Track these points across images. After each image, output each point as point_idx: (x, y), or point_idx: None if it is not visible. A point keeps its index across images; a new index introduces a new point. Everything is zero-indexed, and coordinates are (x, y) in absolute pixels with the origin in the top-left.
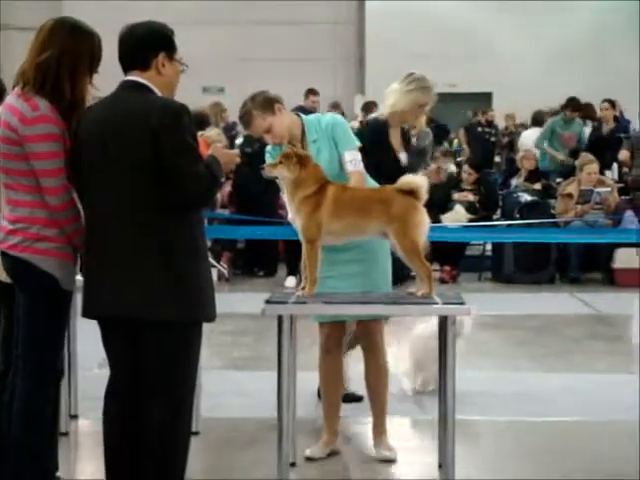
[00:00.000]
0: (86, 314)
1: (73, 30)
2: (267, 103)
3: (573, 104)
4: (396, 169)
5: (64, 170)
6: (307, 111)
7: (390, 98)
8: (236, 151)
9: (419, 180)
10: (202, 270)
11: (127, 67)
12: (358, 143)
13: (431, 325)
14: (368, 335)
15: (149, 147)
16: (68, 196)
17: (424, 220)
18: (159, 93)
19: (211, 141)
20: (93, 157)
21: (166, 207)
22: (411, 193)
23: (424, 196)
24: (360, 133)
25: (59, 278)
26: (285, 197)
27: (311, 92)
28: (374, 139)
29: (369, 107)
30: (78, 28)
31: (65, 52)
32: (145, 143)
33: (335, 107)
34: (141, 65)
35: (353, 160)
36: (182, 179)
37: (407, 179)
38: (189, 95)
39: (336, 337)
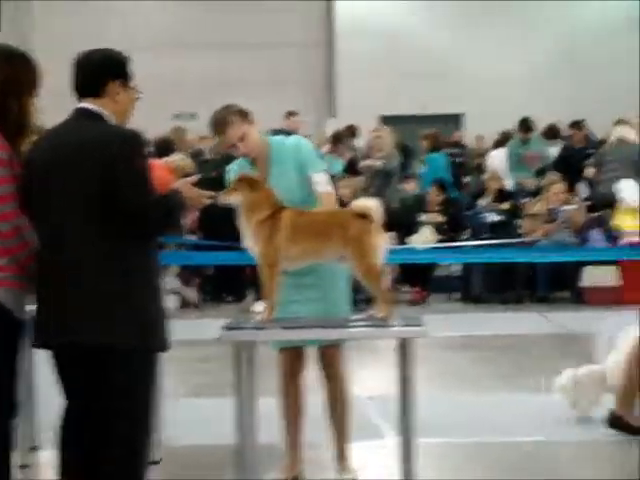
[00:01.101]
0: (36, 343)
1: (13, 56)
2: (244, 112)
3: (525, 125)
4: None
5: (13, 196)
6: (289, 133)
7: None
8: (207, 192)
9: (371, 203)
10: (155, 299)
11: (81, 94)
12: (325, 166)
13: None
14: (328, 361)
15: (102, 176)
16: (17, 222)
17: (380, 242)
18: (112, 121)
19: (175, 166)
20: (45, 184)
21: (119, 234)
22: (366, 216)
23: (377, 219)
24: None
25: (12, 308)
26: (240, 222)
27: (291, 114)
28: None
29: (339, 139)
30: (15, 56)
31: (8, 79)
32: (98, 172)
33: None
34: (95, 92)
35: (322, 181)
36: (131, 210)
37: (359, 203)
38: (160, 122)
39: (297, 362)
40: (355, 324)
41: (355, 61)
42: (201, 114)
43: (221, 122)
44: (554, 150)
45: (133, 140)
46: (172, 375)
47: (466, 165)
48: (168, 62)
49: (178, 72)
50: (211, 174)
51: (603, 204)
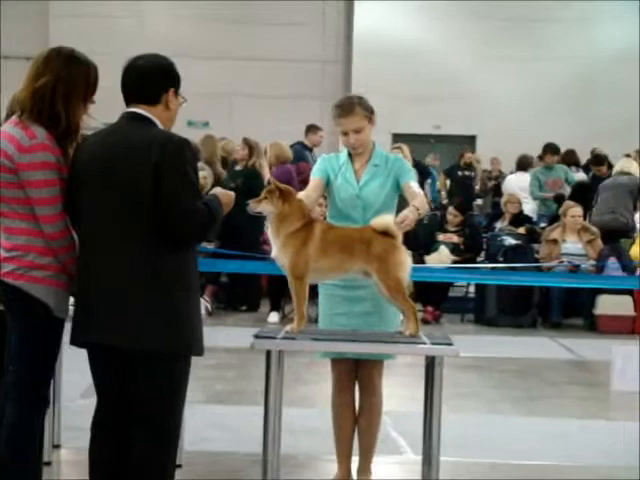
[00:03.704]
0: (75, 342)
1: (69, 59)
2: (372, 110)
3: (550, 149)
4: None
5: (60, 198)
6: (308, 148)
7: None
8: (233, 194)
9: (389, 219)
10: (193, 304)
11: (132, 100)
12: (415, 177)
13: None
14: (368, 376)
15: (150, 180)
16: (64, 225)
17: (405, 259)
18: (161, 126)
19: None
20: (91, 187)
21: (162, 239)
22: (388, 233)
23: (397, 234)
24: None
25: (52, 306)
26: (269, 232)
27: (314, 127)
28: None
29: None
30: (74, 57)
31: (60, 80)
32: (146, 176)
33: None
34: (151, 99)
35: (416, 186)
36: (179, 214)
37: (379, 220)
38: (174, 128)
39: (349, 373)
40: (386, 339)
41: (371, 78)
42: (213, 124)
43: (348, 107)
44: (578, 176)
45: (184, 145)
46: (191, 381)
47: (476, 187)
48: (184, 69)
49: (194, 80)
50: (230, 184)
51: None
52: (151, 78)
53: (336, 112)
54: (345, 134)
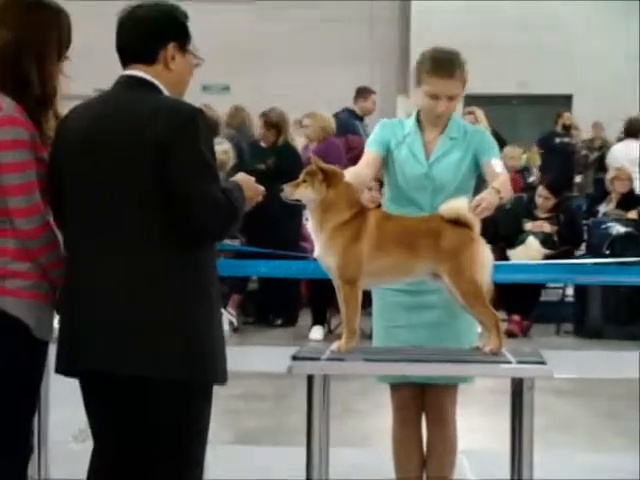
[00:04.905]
0: (62, 369)
1: (32, 6)
2: (467, 74)
3: None
4: None
5: (36, 185)
6: (358, 116)
7: None
8: (261, 188)
9: (463, 204)
10: (213, 318)
11: (127, 59)
12: (500, 155)
13: None
14: (437, 403)
15: (153, 162)
16: (42, 219)
17: (485, 255)
18: (166, 93)
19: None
20: (79, 174)
21: (170, 238)
22: (463, 223)
23: (474, 222)
24: None
25: (32, 325)
26: (310, 225)
27: (366, 91)
28: None
29: None
30: (39, 2)
31: (25, 34)
32: (149, 157)
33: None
34: (145, 58)
35: (499, 166)
36: (193, 204)
37: (450, 205)
38: (185, 94)
39: (414, 401)
40: (459, 358)
41: (433, 30)
42: (235, 89)
43: (450, 68)
44: None
45: (196, 116)
46: (214, 416)
47: (578, 160)
48: (198, 19)
49: (210, 33)
50: (260, 166)
51: None
52: (143, 30)
53: (432, 69)
54: (434, 97)
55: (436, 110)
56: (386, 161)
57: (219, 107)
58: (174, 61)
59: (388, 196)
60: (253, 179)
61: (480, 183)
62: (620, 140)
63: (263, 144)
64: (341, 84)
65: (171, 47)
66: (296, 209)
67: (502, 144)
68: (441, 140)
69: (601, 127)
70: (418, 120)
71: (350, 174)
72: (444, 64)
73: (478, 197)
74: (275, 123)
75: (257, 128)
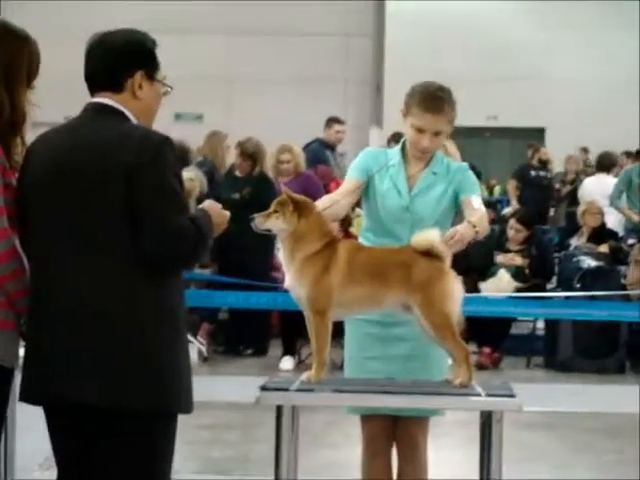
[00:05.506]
0: (26, 397)
1: (3, 32)
2: (455, 113)
3: None
4: None
5: (3, 210)
6: (329, 145)
7: None
8: (227, 213)
9: (434, 235)
10: (179, 348)
11: (95, 87)
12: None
13: None
14: (408, 437)
15: (121, 190)
16: (7, 244)
17: (456, 288)
18: (134, 121)
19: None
20: (47, 199)
21: (138, 265)
22: (433, 254)
23: (445, 254)
24: None
25: None
26: (281, 255)
27: (334, 121)
28: None
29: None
30: (8, 29)
31: None
32: (117, 184)
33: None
34: (113, 86)
35: (479, 203)
36: (161, 233)
37: (421, 236)
38: (157, 123)
39: (385, 433)
40: (428, 390)
41: (407, 58)
42: (207, 117)
43: (438, 104)
44: None
45: (163, 144)
46: (180, 446)
47: (552, 193)
48: (171, 49)
49: (183, 62)
50: (234, 195)
51: None
52: (111, 58)
53: (421, 102)
54: (420, 131)
55: (420, 144)
56: (367, 191)
57: (192, 136)
58: (142, 89)
59: (367, 226)
60: (220, 205)
61: (457, 220)
62: (592, 174)
63: (238, 174)
64: (313, 110)
65: (138, 75)
66: (268, 239)
67: (478, 176)
68: (424, 174)
69: (575, 161)
70: (403, 151)
71: (327, 201)
72: (433, 99)
73: (452, 229)
74: (251, 153)
75: (232, 156)
